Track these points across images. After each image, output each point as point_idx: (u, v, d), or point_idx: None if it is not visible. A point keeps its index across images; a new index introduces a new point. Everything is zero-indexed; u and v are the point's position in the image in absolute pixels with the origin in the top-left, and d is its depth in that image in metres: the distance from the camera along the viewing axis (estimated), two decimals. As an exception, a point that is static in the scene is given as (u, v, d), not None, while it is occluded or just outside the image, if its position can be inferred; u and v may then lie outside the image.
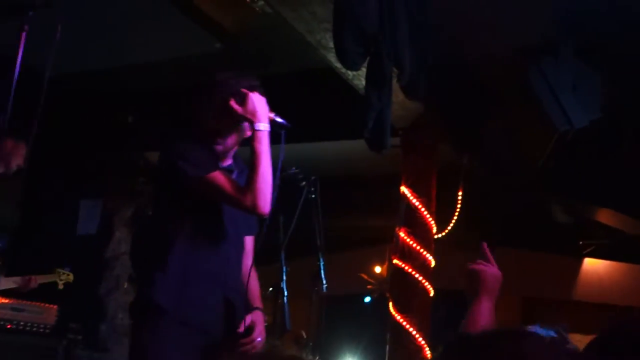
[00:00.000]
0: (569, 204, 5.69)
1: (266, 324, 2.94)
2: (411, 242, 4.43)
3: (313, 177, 3.50)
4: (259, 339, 2.77)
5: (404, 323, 4.33)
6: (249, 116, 2.67)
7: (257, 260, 2.95)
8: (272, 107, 2.80)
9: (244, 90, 2.68)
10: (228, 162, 2.86)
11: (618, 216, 5.38)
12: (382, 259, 6.96)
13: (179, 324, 2.62)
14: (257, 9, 3.84)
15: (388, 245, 5.02)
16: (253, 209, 2.66)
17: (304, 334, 4.44)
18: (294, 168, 3.40)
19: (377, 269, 7.45)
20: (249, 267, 2.92)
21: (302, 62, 4.42)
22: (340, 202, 5.65)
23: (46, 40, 2.15)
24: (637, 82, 3.95)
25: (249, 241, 2.96)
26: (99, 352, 5.09)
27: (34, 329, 4.39)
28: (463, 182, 5.02)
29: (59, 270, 4.58)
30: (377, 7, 3.19)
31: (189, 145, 2.73)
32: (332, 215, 4.01)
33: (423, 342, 4.30)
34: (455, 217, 5.16)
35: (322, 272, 3.46)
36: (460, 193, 5.12)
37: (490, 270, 2.08)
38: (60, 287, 4.56)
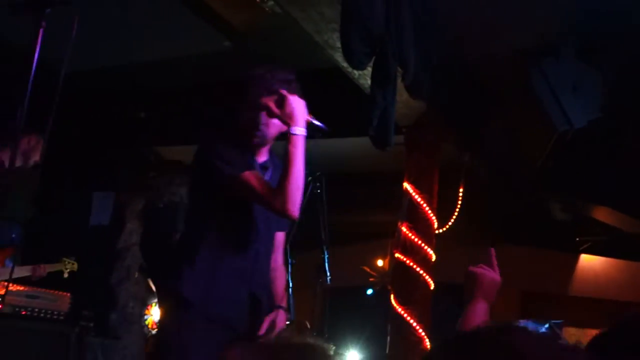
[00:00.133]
0: (567, 202, 5.67)
1: (288, 322, 2.92)
2: (413, 237, 4.43)
3: (319, 173, 3.51)
4: None
5: (405, 315, 4.33)
6: (286, 119, 2.60)
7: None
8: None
9: (283, 92, 2.62)
10: (264, 158, 2.81)
11: (614, 214, 5.36)
12: (384, 252, 6.96)
13: (204, 319, 2.59)
14: (267, 9, 3.83)
15: (390, 240, 5.02)
16: (282, 212, 2.60)
17: (307, 324, 4.45)
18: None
19: (380, 263, 7.45)
20: (277, 263, 2.89)
21: (310, 62, 4.41)
22: (345, 197, 5.66)
23: (62, 37, 2.14)
24: (637, 82, 3.93)
25: (279, 237, 2.92)
26: (109, 339, 5.09)
27: (48, 315, 4.40)
28: (464, 179, 5.01)
29: (65, 259, 4.59)
30: (384, 8, 3.18)
31: (225, 143, 2.68)
32: (336, 210, 4.01)
33: (423, 334, 4.30)
34: (456, 214, 5.15)
35: (327, 264, 3.46)
36: (461, 190, 5.12)
37: (490, 274, 2.05)
38: (66, 275, 4.57)
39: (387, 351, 4.50)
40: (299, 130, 2.61)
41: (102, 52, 4.75)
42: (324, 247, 3.49)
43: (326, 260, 3.41)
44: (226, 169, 2.60)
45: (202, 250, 2.65)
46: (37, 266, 4.33)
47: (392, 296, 4.46)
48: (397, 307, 4.38)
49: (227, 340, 2.61)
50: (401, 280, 4.49)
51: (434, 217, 4.53)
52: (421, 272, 4.39)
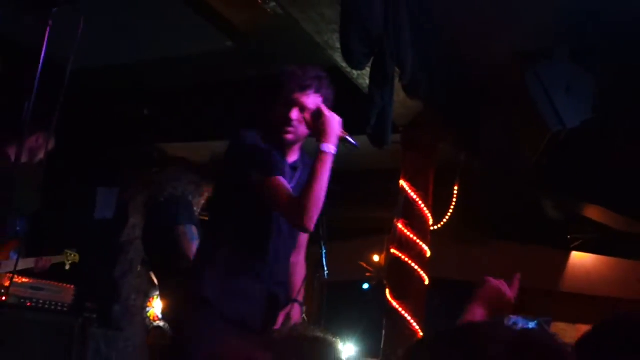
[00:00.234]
0: (560, 200, 5.68)
1: (303, 315, 2.89)
2: (408, 233, 4.43)
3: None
4: None
5: (400, 309, 4.34)
6: (319, 133, 2.54)
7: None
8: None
9: (322, 108, 2.56)
10: (294, 157, 2.76)
11: (606, 212, 5.37)
12: (380, 248, 6.96)
13: (221, 318, 2.56)
14: (269, 9, 3.82)
15: (386, 236, 5.02)
16: (296, 224, 2.58)
17: (305, 317, 4.45)
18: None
19: (376, 258, 7.45)
20: (298, 258, 2.87)
21: (310, 62, 4.38)
22: (343, 194, 5.66)
23: (68, 36, 2.14)
24: (628, 84, 3.93)
25: (303, 237, 2.89)
26: (112, 331, 5.10)
27: (52, 307, 4.39)
28: (459, 178, 5.02)
29: (67, 251, 4.59)
30: (382, 10, 3.18)
31: (257, 143, 2.63)
32: (334, 206, 4.01)
33: (417, 328, 4.31)
34: (451, 211, 5.16)
35: (324, 260, 3.46)
36: (456, 188, 5.12)
37: (505, 289, 2.00)
38: (67, 267, 4.57)
39: (382, 344, 4.51)
40: (330, 148, 2.54)
41: (107, 51, 4.74)
42: (322, 243, 3.48)
43: (324, 256, 3.40)
44: (253, 171, 2.56)
45: (222, 249, 2.62)
46: (40, 258, 4.33)
47: (387, 291, 4.47)
48: (393, 301, 4.39)
49: (243, 338, 2.56)
50: (396, 275, 4.49)
51: (429, 214, 4.54)
52: (416, 267, 4.40)
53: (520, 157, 4.19)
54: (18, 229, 4.26)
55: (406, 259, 4.40)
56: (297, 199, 2.54)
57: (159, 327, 6.07)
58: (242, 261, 2.64)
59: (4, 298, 4.02)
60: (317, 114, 2.56)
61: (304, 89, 2.62)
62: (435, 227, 4.93)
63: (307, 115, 2.60)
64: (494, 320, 1.02)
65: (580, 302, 6.97)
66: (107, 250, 5.39)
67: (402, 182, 4.52)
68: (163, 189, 3.99)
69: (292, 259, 2.85)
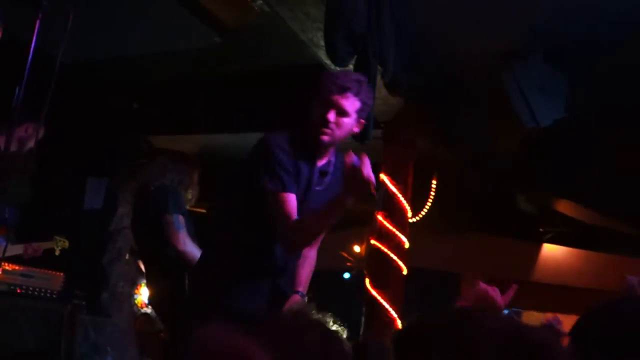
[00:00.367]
0: (532, 195, 5.71)
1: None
2: (388, 225, 4.44)
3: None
4: None
5: (379, 297, 4.35)
6: (349, 185, 2.37)
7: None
8: (267, 99, 2.75)
9: (364, 165, 2.31)
10: (324, 160, 2.66)
11: (576, 207, 5.42)
12: (361, 239, 6.97)
13: (223, 314, 2.50)
14: (256, 7, 3.79)
15: (367, 227, 5.03)
16: (284, 244, 2.53)
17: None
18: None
19: (356, 249, 7.46)
20: (308, 253, 2.81)
21: (295, 59, 4.39)
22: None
23: (58, 29, 2.11)
24: (598, 85, 3.96)
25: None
26: (100, 317, 5.05)
27: (42, 294, 4.35)
28: (437, 172, 5.03)
29: (56, 237, 4.54)
30: (366, 10, 3.17)
31: (278, 152, 2.52)
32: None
33: (395, 315, 4.32)
34: (429, 204, 5.17)
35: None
36: (434, 182, 5.13)
37: (495, 296, 1.97)
38: (57, 252, 4.52)
39: (361, 331, 4.52)
40: (350, 201, 2.41)
41: (97, 45, 4.69)
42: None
43: (307, 246, 3.40)
44: (266, 179, 2.49)
45: (229, 244, 2.59)
46: (29, 245, 4.29)
47: (367, 280, 4.48)
48: (372, 290, 4.40)
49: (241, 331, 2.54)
50: (376, 265, 4.51)
51: (408, 207, 4.55)
52: (395, 257, 4.41)
53: (495, 153, 4.20)
54: (7, 216, 4.21)
55: (385, 250, 4.41)
56: (294, 224, 2.45)
57: (146, 313, 6.04)
58: (250, 260, 2.59)
59: (-6, 285, 3.99)
60: (354, 171, 2.34)
61: (343, 90, 2.52)
62: (414, 220, 4.95)
63: (347, 120, 2.50)
64: (487, 310, 1.01)
65: (551, 292, 7.04)
66: (96, 239, 5.35)
67: (382, 176, 4.52)
68: (152, 179, 3.94)
69: (304, 253, 2.79)
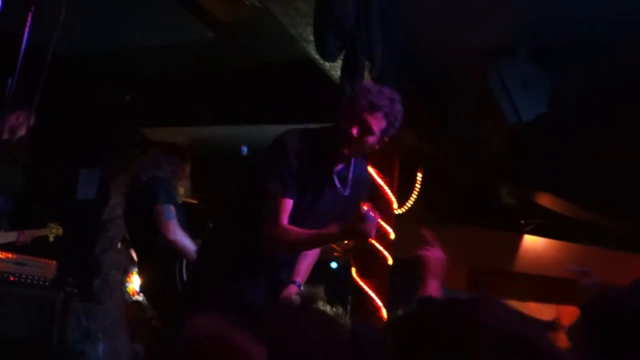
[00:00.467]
0: (514, 188, 5.73)
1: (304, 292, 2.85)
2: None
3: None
4: None
5: (365, 286, 4.35)
6: (350, 230, 2.38)
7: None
8: (258, 93, 2.72)
9: (368, 210, 2.36)
10: (340, 166, 2.62)
11: (556, 200, 5.44)
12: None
13: (222, 308, 2.52)
14: (247, 2, 3.76)
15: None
16: (264, 244, 2.48)
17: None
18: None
19: (344, 239, 7.45)
20: (312, 251, 2.78)
21: (285, 53, 4.37)
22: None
23: (51, 21, 2.08)
24: (580, 82, 3.97)
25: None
26: (92, 304, 5.03)
27: (35, 281, 4.33)
28: (423, 165, 5.03)
29: (50, 224, 4.50)
30: (354, 7, 3.15)
31: (290, 153, 2.46)
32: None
33: (380, 304, 4.33)
34: (414, 196, 5.18)
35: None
36: (419, 175, 5.13)
37: (433, 254, 2.02)
38: (51, 239, 4.48)
39: (347, 318, 4.53)
40: (342, 238, 2.44)
41: (90, 38, 4.64)
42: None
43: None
44: (269, 178, 2.45)
45: (231, 241, 2.56)
46: (22, 232, 4.26)
47: (353, 269, 4.48)
48: (358, 279, 4.40)
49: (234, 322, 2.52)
50: (362, 255, 4.50)
51: (393, 199, 4.54)
52: (380, 248, 4.41)
53: (479, 147, 4.21)
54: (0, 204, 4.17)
55: (371, 240, 4.40)
56: (280, 231, 2.42)
57: (137, 301, 6.01)
58: (251, 252, 2.56)
59: (-13, 273, 3.95)
60: (361, 223, 2.36)
61: (373, 109, 2.45)
62: (400, 211, 4.95)
63: (371, 138, 2.45)
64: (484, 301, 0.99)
65: (531, 281, 7.08)
66: (88, 228, 5.31)
67: (369, 168, 4.50)
68: (145, 171, 3.92)
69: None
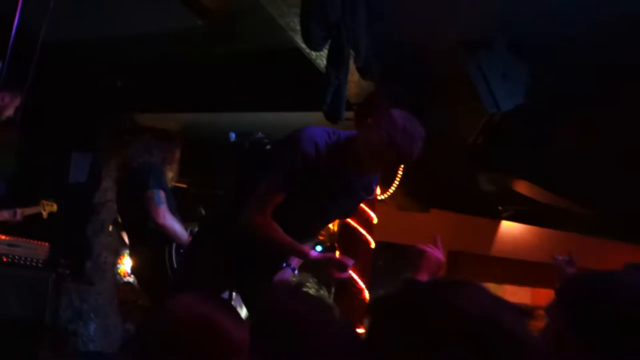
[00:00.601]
0: (493, 175, 5.76)
1: (294, 278, 2.85)
2: (358, 202, 4.44)
3: (277, 142, 3.45)
4: None
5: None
6: (330, 260, 2.43)
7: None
8: (246, 81, 2.69)
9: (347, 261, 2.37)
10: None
11: (533, 187, 5.47)
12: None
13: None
14: (236, -8, 3.72)
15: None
16: (238, 222, 2.50)
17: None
18: (260, 133, 3.36)
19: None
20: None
21: (273, 42, 4.34)
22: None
23: (42, 7, 2.04)
24: (556, 74, 3.98)
25: (317, 231, 2.86)
26: (84, 285, 5.01)
27: (28, 262, 4.30)
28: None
29: (43, 201, 4.46)
30: (340, -2, 3.13)
31: (300, 155, 2.45)
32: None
33: (363, 286, 4.35)
34: (396, 183, 5.18)
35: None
36: (402, 162, 5.12)
37: (436, 254, 2.02)
38: (45, 216, 4.44)
39: (331, 299, 4.55)
40: (309, 262, 2.44)
41: (80, 25, 4.57)
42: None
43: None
44: (273, 167, 2.46)
45: (229, 225, 2.56)
46: (14, 210, 4.22)
47: (337, 252, 4.49)
48: (342, 262, 4.41)
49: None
50: (346, 239, 4.52)
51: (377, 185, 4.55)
52: (364, 232, 4.42)
53: (459, 135, 4.22)
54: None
55: (355, 225, 4.41)
56: (260, 220, 2.43)
57: (128, 282, 6.00)
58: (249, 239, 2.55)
59: (-20, 254, 3.91)
60: (339, 267, 2.42)
61: (391, 145, 2.41)
62: (382, 197, 4.96)
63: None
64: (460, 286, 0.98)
65: (508, 265, 7.14)
66: (80, 211, 5.27)
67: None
68: (136, 156, 3.90)
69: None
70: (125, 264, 6.02)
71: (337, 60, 3.26)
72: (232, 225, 2.55)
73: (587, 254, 6.34)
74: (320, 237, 7.41)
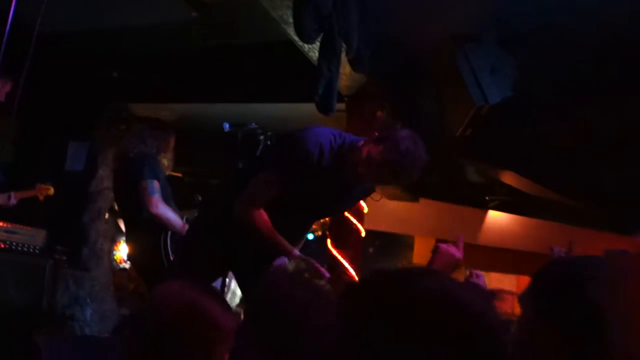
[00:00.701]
0: (480, 166, 5.78)
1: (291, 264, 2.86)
2: (349, 191, 4.44)
3: (269, 133, 3.45)
4: None
5: (339, 257, 4.38)
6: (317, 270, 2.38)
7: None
8: (240, 72, 2.67)
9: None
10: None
11: (519, 178, 5.50)
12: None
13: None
14: (230, -16, 3.69)
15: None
16: (232, 213, 2.50)
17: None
18: (253, 123, 3.35)
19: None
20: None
21: (266, 35, 4.31)
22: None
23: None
24: (543, 68, 3.99)
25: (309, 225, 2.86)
26: (80, 271, 5.00)
27: (25, 249, 4.28)
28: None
29: (39, 184, 4.42)
30: (332, -10, 3.11)
31: (303, 153, 2.44)
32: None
33: (353, 273, 4.36)
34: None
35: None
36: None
37: (452, 250, 2.02)
38: (41, 199, 4.41)
39: (323, 287, 4.56)
40: (293, 255, 2.44)
41: (76, 16, 4.52)
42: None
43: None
44: (275, 162, 2.45)
45: (227, 212, 2.54)
46: (8, 194, 4.19)
47: (329, 241, 4.50)
48: (333, 249, 4.42)
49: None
50: (337, 227, 4.52)
51: (368, 175, 4.55)
52: (354, 221, 4.43)
53: (447, 127, 4.22)
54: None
55: (346, 214, 4.42)
56: (253, 213, 2.43)
57: (124, 269, 6.00)
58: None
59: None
60: (315, 272, 2.37)
61: (390, 165, 2.42)
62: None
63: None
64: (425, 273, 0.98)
65: (494, 253, 7.18)
66: (77, 199, 5.26)
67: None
68: (131, 146, 3.90)
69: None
70: (121, 250, 6.01)
71: (328, 53, 3.25)
72: (229, 212, 2.56)
73: (568, 242, 6.39)
74: (313, 226, 7.43)
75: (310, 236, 7.93)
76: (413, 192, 6.58)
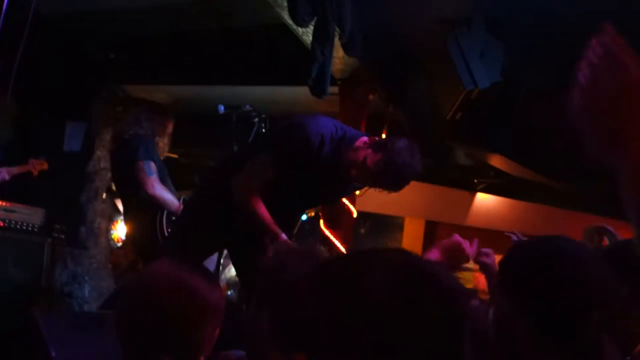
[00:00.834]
0: (469, 149, 5.79)
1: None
2: (342, 173, 4.44)
3: (264, 115, 3.44)
4: None
5: (332, 237, 4.39)
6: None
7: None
8: (235, 55, 2.65)
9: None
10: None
11: (506, 161, 5.51)
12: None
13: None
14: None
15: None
16: (231, 192, 2.50)
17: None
18: (248, 106, 3.34)
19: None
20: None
21: (261, 19, 4.28)
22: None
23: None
24: (531, 53, 3.98)
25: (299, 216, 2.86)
26: (78, 249, 5.00)
27: (24, 227, 4.27)
28: (387, 127, 5.03)
29: (32, 159, 4.39)
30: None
31: (305, 141, 2.43)
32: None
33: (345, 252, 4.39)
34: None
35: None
36: (384, 136, 5.13)
37: (456, 239, 1.98)
38: (35, 174, 4.38)
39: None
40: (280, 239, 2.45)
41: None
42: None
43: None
44: (273, 148, 2.44)
45: (224, 194, 2.55)
46: (1, 169, 4.17)
47: (321, 221, 4.51)
48: (326, 230, 4.44)
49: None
50: (329, 208, 4.53)
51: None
52: (346, 202, 4.44)
53: (438, 111, 4.22)
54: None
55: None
56: (252, 196, 2.44)
57: (121, 247, 5.99)
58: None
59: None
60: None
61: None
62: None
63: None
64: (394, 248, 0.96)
65: (482, 235, 7.20)
66: (75, 179, 5.24)
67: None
68: (128, 128, 3.88)
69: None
70: (119, 229, 6.00)
71: (322, 37, 3.23)
72: (226, 192, 2.56)
73: (553, 223, 6.43)
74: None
75: (304, 217, 7.96)
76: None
